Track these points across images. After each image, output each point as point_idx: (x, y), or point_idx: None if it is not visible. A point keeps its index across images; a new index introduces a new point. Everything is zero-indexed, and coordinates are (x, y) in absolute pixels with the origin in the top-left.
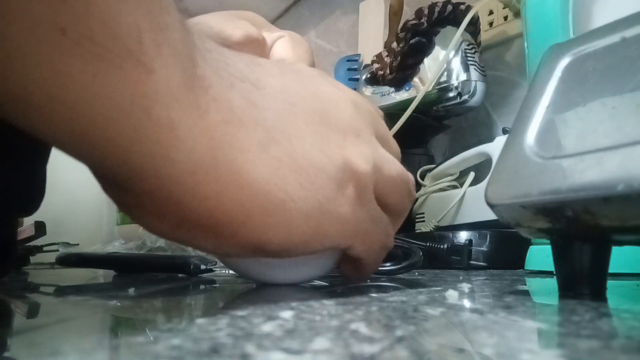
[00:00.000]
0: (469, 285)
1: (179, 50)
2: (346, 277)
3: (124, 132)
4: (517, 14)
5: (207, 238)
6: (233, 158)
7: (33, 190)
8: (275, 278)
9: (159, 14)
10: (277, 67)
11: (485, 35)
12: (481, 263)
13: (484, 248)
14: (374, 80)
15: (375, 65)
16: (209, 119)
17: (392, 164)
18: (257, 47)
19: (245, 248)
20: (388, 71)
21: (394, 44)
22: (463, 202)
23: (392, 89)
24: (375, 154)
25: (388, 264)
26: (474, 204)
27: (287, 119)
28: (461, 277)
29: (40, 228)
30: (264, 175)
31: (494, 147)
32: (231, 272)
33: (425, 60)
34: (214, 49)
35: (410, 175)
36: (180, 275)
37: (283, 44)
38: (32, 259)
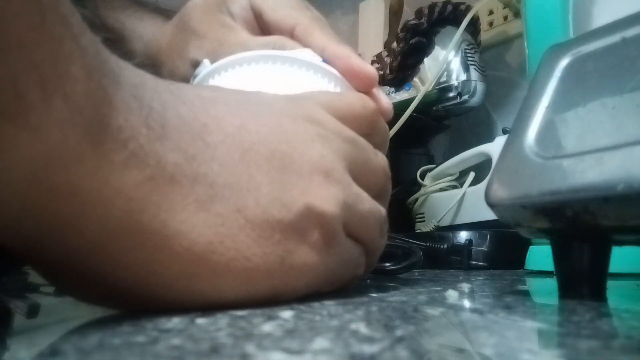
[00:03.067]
0: (469, 285)
1: (80, 102)
2: None
3: (11, 202)
4: (517, 14)
5: (149, 303)
6: (163, 220)
7: None
8: None
9: (53, 64)
10: (235, 104)
11: (485, 35)
12: (481, 263)
13: (484, 248)
14: None
15: (375, 65)
16: (127, 177)
17: (364, 203)
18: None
19: (203, 304)
20: (388, 71)
21: (394, 44)
22: (463, 202)
23: (392, 89)
24: (346, 193)
25: (388, 264)
26: (474, 204)
27: (238, 170)
28: (461, 277)
29: None
30: (206, 236)
31: (494, 147)
32: None
33: (425, 60)
34: (154, 90)
35: (382, 212)
36: None
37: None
38: None
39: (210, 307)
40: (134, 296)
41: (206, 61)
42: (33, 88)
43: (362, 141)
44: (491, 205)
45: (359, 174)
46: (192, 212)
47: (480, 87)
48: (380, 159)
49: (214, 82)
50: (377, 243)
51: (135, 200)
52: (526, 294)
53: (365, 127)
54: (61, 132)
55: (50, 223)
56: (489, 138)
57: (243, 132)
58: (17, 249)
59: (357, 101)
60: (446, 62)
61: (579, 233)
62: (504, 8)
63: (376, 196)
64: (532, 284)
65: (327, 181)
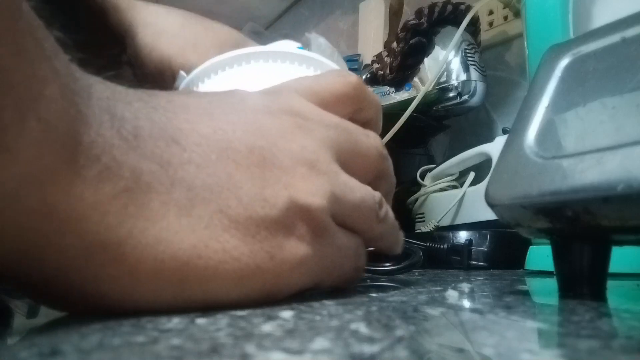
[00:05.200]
0: (469, 285)
1: (54, 122)
2: None
3: None
4: (517, 14)
5: (142, 309)
6: (142, 230)
7: None
8: None
9: (28, 86)
10: (209, 105)
11: (485, 35)
12: (481, 263)
13: (484, 248)
14: (374, 80)
15: (375, 65)
16: (101, 192)
17: (354, 192)
18: None
19: (197, 306)
20: (388, 71)
21: (394, 44)
22: (463, 202)
23: (392, 89)
24: (333, 184)
25: (388, 264)
26: (474, 204)
27: (216, 170)
28: (461, 277)
29: None
30: (190, 241)
31: (494, 147)
32: None
33: (425, 60)
34: (125, 101)
35: (376, 197)
36: None
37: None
38: None
39: (208, 308)
40: (124, 307)
41: (181, 73)
42: (8, 110)
43: (348, 124)
44: (491, 205)
45: (348, 160)
46: (172, 218)
47: (480, 87)
48: (372, 140)
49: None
50: (375, 231)
51: (111, 214)
52: (526, 294)
53: (350, 104)
54: (36, 152)
55: (29, 242)
56: (489, 138)
57: (218, 132)
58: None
59: (337, 79)
60: (446, 62)
61: (579, 233)
62: (504, 8)
63: (375, 179)
64: (532, 284)
65: (312, 173)
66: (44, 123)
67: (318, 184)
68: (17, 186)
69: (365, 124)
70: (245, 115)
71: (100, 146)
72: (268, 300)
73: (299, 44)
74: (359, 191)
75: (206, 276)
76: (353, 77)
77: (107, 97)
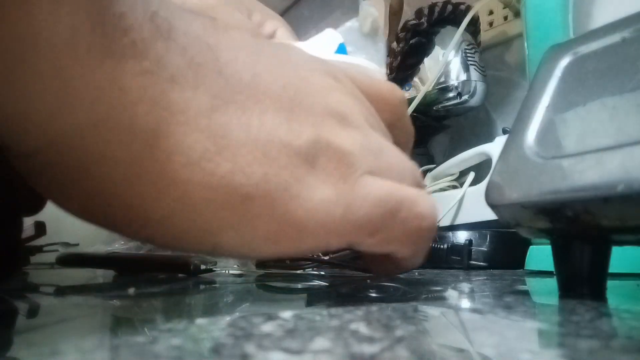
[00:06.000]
0: (469, 285)
1: None
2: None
3: None
4: (517, 14)
5: (138, 211)
6: (157, 118)
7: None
8: None
9: None
10: (254, 43)
11: (485, 35)
12: (481, 263)
13: (484, 248)
14: None
15: None
16: (122, 66)
17: (390, 151)
18: None
19: (194, 222)
20: (388, 71)
21: (394, 44)
22: (463, 202)
23: None
24: (366, 139)
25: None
26: (474, 204)
27: (245, 90)
28: (461, 277)
29: (40, 228)
30: (203, 143)
31: (494, 147)
32: (231, 272)
33: (425, 60)
34: (167, 2)
35: (415, 166)
36: (180, 275)
37: (284, 35)
38: (32, 259)
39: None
40: (123, 201)
41: None
42: None
43: (383, 127)
44: (491, 205)
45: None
46: (190, 116)
47: (480, 87)
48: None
49: None
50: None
51: (129, 91)
52: (526, 294)
53: (388, 112)
54: (51, 8)
55: (35, 102)
56: (489, 138)
57: (256, 59)
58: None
59: (386, 84)
60: (446, 62)
61: (579, 233)
62: (504, 8)
63: None
64: (532, 284)
65: (343, 124)
66: None
67: (349, 134)
68: (29, 45)
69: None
70: (288, 62)
71: (130, 21)
72: (285, 253)
73: (340, 38)
74: (395, 154)
75: (210, 184)
76: (401, 92)
77: None
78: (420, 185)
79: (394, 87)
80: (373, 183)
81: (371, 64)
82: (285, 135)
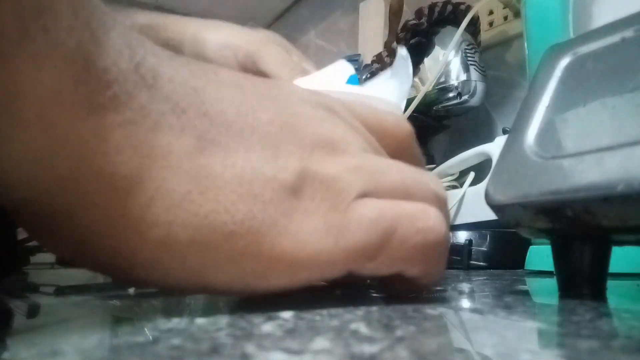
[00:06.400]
0: (469, 285)
1: (62, 38)
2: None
3: None
4: (517, 14)
5: (124, 256)
6: (138, 165)
7: None
8: None
9: None
10: (240, 79)
11: (485, 35)
12: (481, 263)
13: (484, 248)
14: None
15: (375, 65)
16: (105, 119)
17: (394, 169)
18: None
19: (180, 262)
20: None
21: (394, 44)
22: (463, 202)
23: None
24: (360, 162)
25: None
26: (474, 204)
27: (230, 129)
28: (461, 277)
29: None
30: (186, 186)
31: (494, 147)
32: None
33: (425, 60)
34: (151, 47)
35: (431, 180)
36: None
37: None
38: (32, 259)
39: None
40: (109, 247)
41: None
42: (8, 16)
43: (384, 154)
44: (491, 205)
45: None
46: (172, 161)
47: (480, 87)
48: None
49: None
50: (443, 202)
51: (110, 142)
52: (526, 294)
53: (393, 146)
54: (36, 65)
55: (19, 155)
56: (489, 138)
57: (243, 97)
58: None
59: (391, 117)
60: (446, 62)
61: (579, 233)
62: (504, 8)
63: None
64: (532, 284)
65: (332, 153)
66: (50, 36)
67: (338, 159)
68: (12, 97)
69: None
70: (279, 98)
71: (114, 75)
72: (268, 274)
73: (352, 69)
74: (402, 169)
75: (193, 224)
76: (408, 125)
77: (132, 37)
78: (439, 198)
79: (398, 120)
80: (366, 205)
81: (386, 95)
82: (270, 171)
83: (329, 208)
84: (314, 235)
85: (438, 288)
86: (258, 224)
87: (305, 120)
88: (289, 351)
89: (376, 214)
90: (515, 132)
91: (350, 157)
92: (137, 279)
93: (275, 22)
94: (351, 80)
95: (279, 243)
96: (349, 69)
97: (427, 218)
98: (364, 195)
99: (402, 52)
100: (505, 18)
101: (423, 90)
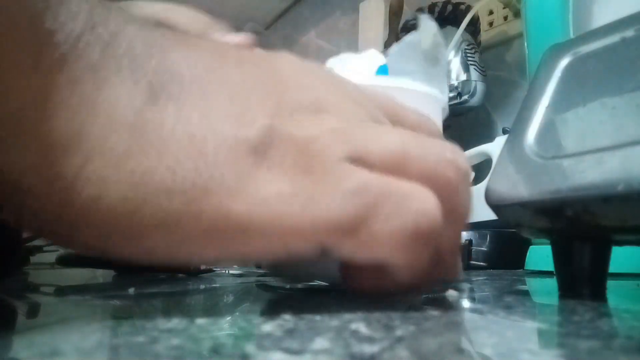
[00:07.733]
0: (469, 285)
1: (5, 1)
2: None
3: None
4: (517, 14)
5: (60, 228)
6: (80, 122)
7: None
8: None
9: None
10: (222, 48)
11: (485, 35)
12: (481, 263)
13: (484, 248)
14: None
15: None
16: (50, 80)
17: (391, 136)
18: None
19: (128, 229)
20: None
21: (394, 44)
22: None
23: None
24: (349, 124)
25: None
26: (474, 204)
27: (193, 85)
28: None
29: None
30: (126, 142)
31: (494, 147)
32: (231, 272)
33: None
34: (111, 10)
35: (449, 146)
36: (180, 275)
37: None
38: (32, 259)
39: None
40: (46, 212)
41: None
42: None
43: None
44: (491, 205)
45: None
46: (116, 116)
47: (480, 87)
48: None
49: None
50: (454, 186)
51: (53, 101)
52: (526, 294)
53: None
54: None
55: None
56: (489, 138)
57: (219, 60)
58: None
59: (414, 114)
60: (446, 62)
61: (579, 233)
62: (504, 8)
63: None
64: (532, 284)
65: (315, 113)
66: None
67: (319, 119)
68: None
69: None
70: (263, 66)
71: (63, 37)
72: (222, 259)
73: (383, 59)
74: (410, 139)
75: (134, 182)
76: (433, 123)
77: (99, 5)
78: (458, 169)
79: (422, 118)
80: (348, 173)
81: (418, 86)
82: (230, 129)
83: (300, 172)
84: (276, 199)
85: (438, 288)
86: (202, 182)
87: (292, 87)
88: (289, 351)
89: (358, 184)
90: (515, 132)
91: (335, 118)
92: (72, 242)
93: (275, 22)
94: (381, 71)
95: (226, 204)
96: (379, 59)
97: (424, 201)
98: (350, 162)
99: (429, 24)
100: (505, 18)
101: None
